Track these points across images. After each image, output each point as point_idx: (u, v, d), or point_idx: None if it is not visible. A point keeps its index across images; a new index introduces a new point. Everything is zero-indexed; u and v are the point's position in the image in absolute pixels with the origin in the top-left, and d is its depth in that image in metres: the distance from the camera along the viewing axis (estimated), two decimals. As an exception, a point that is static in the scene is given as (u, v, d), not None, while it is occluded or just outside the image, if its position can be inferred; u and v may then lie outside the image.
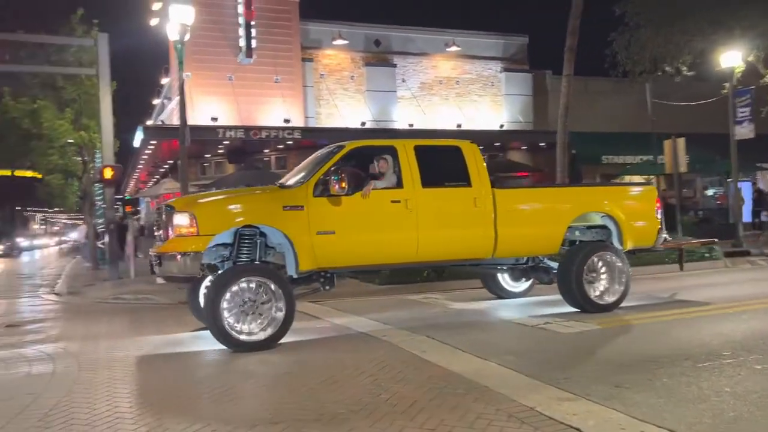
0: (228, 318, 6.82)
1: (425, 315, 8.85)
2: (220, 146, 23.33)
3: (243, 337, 6.88)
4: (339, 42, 26.08)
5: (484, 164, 8.32)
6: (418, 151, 7.99)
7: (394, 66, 27.39)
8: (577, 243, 8.89)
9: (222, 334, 6.82)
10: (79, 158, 29.10)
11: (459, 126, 26.89)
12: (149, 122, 29.39)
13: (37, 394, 5.33)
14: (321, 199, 7.34)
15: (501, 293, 10.09)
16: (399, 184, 7.76)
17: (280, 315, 6.99)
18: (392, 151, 7.94)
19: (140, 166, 29.67)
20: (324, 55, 26.41)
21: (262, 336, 6.94)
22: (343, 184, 7.22)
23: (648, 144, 20.82)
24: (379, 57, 27.26)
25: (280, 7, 24.62)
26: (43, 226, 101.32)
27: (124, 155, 29.99)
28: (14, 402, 5.10)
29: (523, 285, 10.07)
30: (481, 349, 6.36)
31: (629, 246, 8.76)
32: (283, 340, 7.18)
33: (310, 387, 5.31)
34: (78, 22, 23.66)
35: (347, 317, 8.74)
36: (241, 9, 23.33)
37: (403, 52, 27.68)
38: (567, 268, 8.36)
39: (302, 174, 7.88)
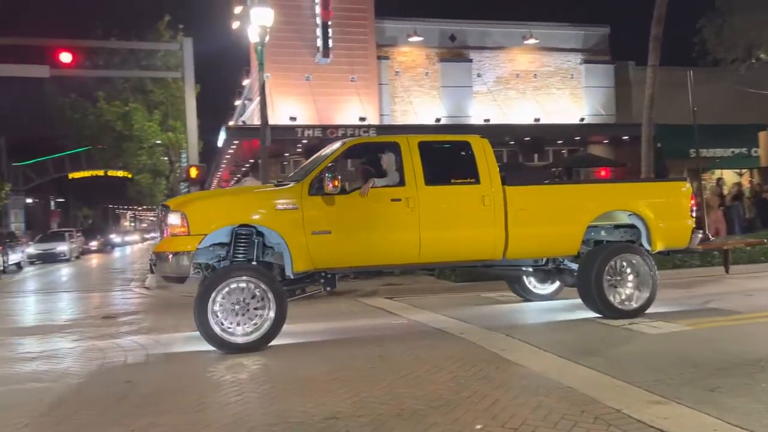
0: (216, 318, 6.77)
1: (502, 312, 8.74)
2: (299, 145, 23.85)
3: (232, 338, 6.80)
4: (414, 39, 26.06)
5: (495, 160, 7.90)
6: (423, 147, 7.68)
7: (470, 61, 27.11)
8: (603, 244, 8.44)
9: (209, 335, 6.77)
10: (166, 158, 30.55)
11: (537, 120, 26.31)
12: (231, 123, 30.43)
13: (133, 383, 5.64)
14: (316, 198, 7.15)
15: (527, 295, 9.66)
16: (401, 182, 7.46)
17: (271, 315, 6.89)
18: (395, 148, 7.65)
19: (223, 165, 30.74)
20: (399, 53, 26.46)
21: (252, 337, 6.84)
22: (336, 183, 6.97)
23: (741, 136, 19.67)
24: (454, 52, 27.05)
25: (356, 6, 24.86)
26: (133, 224, 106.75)
27: (208, 155, 31.22)
28: (113, 389, 5.42)
29: (551, 287, 9.50)
30: (563, 348, 6.21)
31: (659, 247, 8.13)
32: (361, 335, 7.27)
33: (389, 382, 5.35)
34: (165, 27, 24.83)
35: (424, 314, 8.74)
36: (318, 9, 23.73)
37: (478, 47, 27.34)
38: (586, 271, 7.87)
39: (302, 172, 7.74)
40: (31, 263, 29.24)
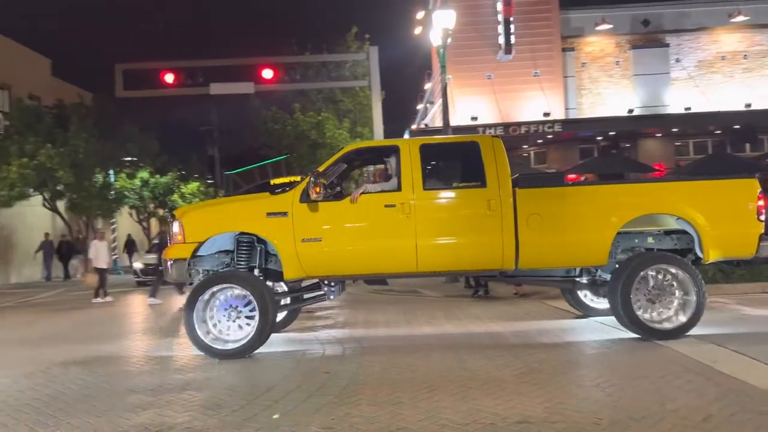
0: (204, 325, 6.89)
1: (713, 320, 7.88)
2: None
3: (218, 346, 6.89)
4: (602, 27, 24.69)
5: (507, 161, 7.17)
6: (425, 150, 7.22)
7: (666, 46, 25.03)
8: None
9: (196, 341, 6.89)
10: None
11: (748, 106, 23.51)
12: (414, 126, 31.20)
13: (332, 373, 5.98)
14: (308, 205, 6.99)
15: (582, 309, 8.70)
16: (398, 187, 7.08)
17: (256, 322, 6.85)
18: (395, 152, 7.27)
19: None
20: (586, 43, 25.24)
21: (231, 346, 6.87)
22: (318, 189, 6.76)
23: None
24: (648, 38, 25.15)
25: (539, 0, 24.18)
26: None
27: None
28: (314, 379, 5.79)
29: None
30: (790, 362, 5.45)
31: (714, 256, 7.01)
32: (550, 338, 7.00)
33: (584, 388, 5.10)
34: (353, 39, 26.16)
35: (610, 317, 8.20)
36: (500, 6, 23.46)
37: (676, 30, 25.14)
38: (613, 285, 6.97)
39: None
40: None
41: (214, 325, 6.99)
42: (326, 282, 7.50)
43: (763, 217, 7.04)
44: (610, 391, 4.98)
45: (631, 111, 23.83)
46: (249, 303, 6.92)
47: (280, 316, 8.41)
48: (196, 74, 20.31)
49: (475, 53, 23.86)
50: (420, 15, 25.92)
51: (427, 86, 31.49)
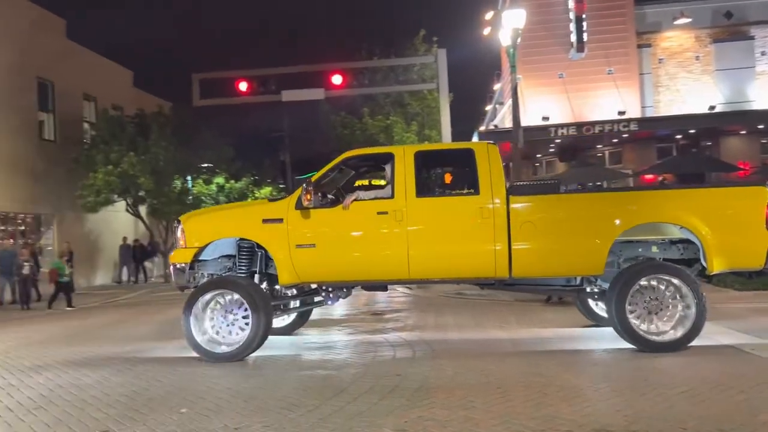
0: (201, 328, 7.10)
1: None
2: (551, 145, 23.27)
3: (213, 349, 7.05)
4: (681, 21, 23.68)
5: (502, 168, 7.07)
6: (420, 157, 7.19)
7: (751, 38, 23.74)
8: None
9: (192, 344, 7.08)
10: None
11: (842, 100, 21.99)
12: (482, 128, 30.88)
13: (403, 376, 5.99)
14: (302, 212, 7.09)
15: (593, 318, 8.33)
16: (391, 194, 7.06)
17: (246, 329, 7.00)
18: (391, 158, 7.21)
19: (475, 170, 31.28)
20: (663, 38, 24.28)
21: (225, 349, 7.06)
22: (309, 197, 6.89)
23: None
24: (731, 30, 23.93)
25: (613, -5, 23.47)
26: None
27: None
28: (386, 381, 5.82)
29: None
30: None
31: (719, 267, 6.67)
32: (620, 344, 6.77)
33: (665, 397, 4.89)
34: (420, 42, 26.16)
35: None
36: (571, 4, 22.90)
37: (761, 21, 23.81)
38: (609, 294, 6.75)
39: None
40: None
41: (212, 327, 7.23)
42: (324, 288, 7.67)
43: None
44: (695, 400, 4.77)
45: (712, 108, 22.73)
46: (242, 307, 7.09)
47: (287, 320, 8.80)
48: (268, 82, 20.86)
49: (546, 52, 23.38)
50: (489, 15, 25.67)
51: (496, 87, 31.13)
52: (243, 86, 20.73)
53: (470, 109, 37.75)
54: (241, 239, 7.43)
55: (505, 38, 15.23)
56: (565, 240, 6.88)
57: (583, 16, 22.86)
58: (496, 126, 26.17)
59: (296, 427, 4.56)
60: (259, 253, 7.42)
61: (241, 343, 7.02)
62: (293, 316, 8.81)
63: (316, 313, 12.08)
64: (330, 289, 7.78)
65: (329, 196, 7.58)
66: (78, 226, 22.88)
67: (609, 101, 22.86)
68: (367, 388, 5.58)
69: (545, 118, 22.48)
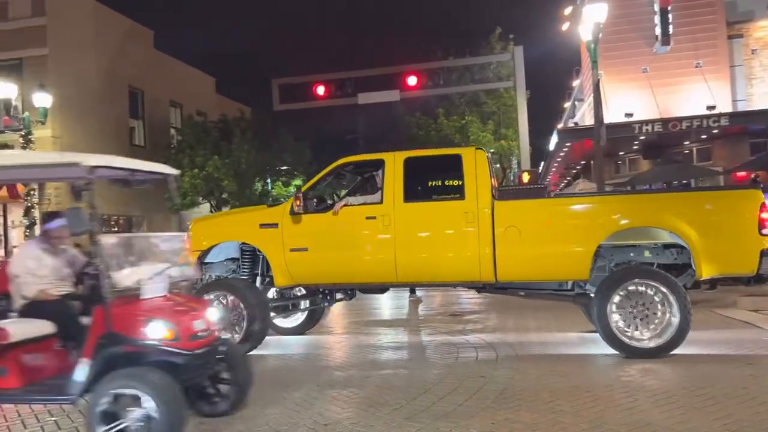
0: None
1: None
2: (635, 142, 22.47)
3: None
4: (776, 9, 22.33)
5: (488, 173, 7.11)
6: (410, 163, 7.30)
7: None
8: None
9: None
10: (498, 165, 31.76)
11: None
12: (559, 125, 30.19)
13: (487, 377, 5.96)
14: (296, 217, 7.39)
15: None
16: (381, 200, 7.25)
17: (240, 328, 7.30)
18: (381, 164, 7.38)
19: (553, 169, 30.67)
20: (756, 28, 22.99)
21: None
22: (298, 203, 7.24)
23: None
24: (834, 16, 22.37)
25: (700, -15, 22.42)
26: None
27: (535, 159, 31.50)
28: (470, 382, 5.80)
29: None
30: None
31: (709, 273, 6.50)
32: (723, 350, 6.46)
33: (769, 407, 4.65)
34: (496, 40, 25.89)
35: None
36: (656, -3, 22.05)
37: None
38: (593, 298, 6.67)
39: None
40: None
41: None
42: (320, 290, 8.05)
43: (766, 231, 6.43)
44: (803, 411, 4.50)
45: (812, 100, 21.31)
46: (237, 308, 7.41)
47: (299, 320, 9.06)
48: (344, 85, 21.25)
49: (629, 46, 22.60)
50: (567, 11, 25.09)
51: (575, 83, 30.37)
52: (320, 90, 21.22)
53: (548, 106, 37.05)
54: (244, 243, 7.86)
55: (585, 33, 14.83)
56: (548, 245, 6.85)
57: (669, 7, 21.95)
58: (576, 123, 25.56)
59: (384, 425, 4.63)
60: (261, 257, 7.77)
61: (245, 341, 7.42)
62: (303, 316, 9.15)
63: (392, 315, 12.19)
64: (326, 291, 8.20)
65: (328, 201, 7.92)
66: (166, 227, 24.03)
67: (697, 96, 21.83)
68: (451, 388, 5.59)
69: (628, 115, 21.73)
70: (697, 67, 22.03)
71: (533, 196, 7.36)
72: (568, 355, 6.97)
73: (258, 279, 7.89)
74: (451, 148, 7.74)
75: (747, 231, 6.47)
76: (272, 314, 8.43)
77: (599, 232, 6.74)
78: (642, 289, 6.55)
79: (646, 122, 20.87)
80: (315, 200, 7.76)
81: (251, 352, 7.36)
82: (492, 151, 28.89)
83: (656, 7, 22.13)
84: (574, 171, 30.74)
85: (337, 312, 12.60)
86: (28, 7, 19.78)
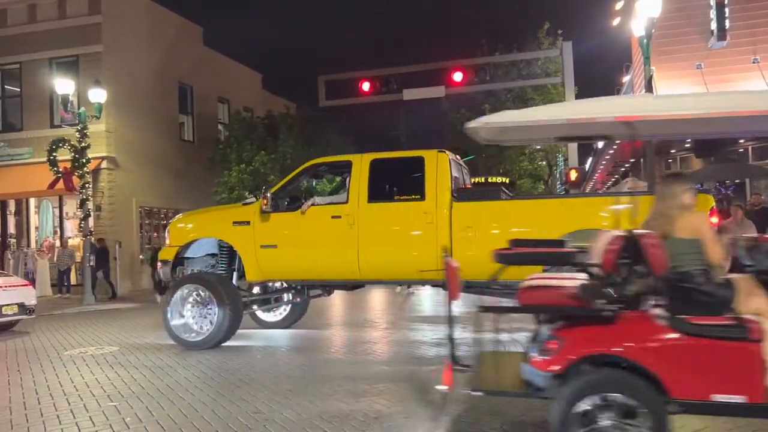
0: (177, 318, 7.86)
1: None
2: (687, 140, 21.83)
3: (186, 337, 7.84)
4: (840, 1, 21.38)
5: (449, 175, 7.28)
6: (375, 164, 7.59)
7: None
8: None
9: (170, 333, 7.92)
10: (544, 162, 31.34)
11: None
12: (609, 123, 29.52)
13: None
14: (267, 215, 7.76)
15: None
16: (346, 200, 7.57)
17: (213, 320, 7.68)
18: (349, 166, 7.69)
19: (601, 167, 30.09)
20: (818, 22, 22.02)
21: (199, 338, 7.78)
22: (265, 202, 7.65)
23: None
24: None
25: (758, -23, 21.61)
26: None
27: (581, 157, 30.94)
28: (519, 379, 5.75)
29: None
30: None
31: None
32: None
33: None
34: (544, 35, 25.52)
35: None
36: (711, -10, 21.37)
37: None
38: None
39: None
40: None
41: (192, 318, 7.90)
42: (293, 285, 8.53)
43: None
44: None
45: None
46: (210, 300, 7.76)
47: (282, 314, 9.47)
48: (390, 81, 21.26)
49: (683, 42, 21.96)
50: (619, 5, 24.55)
51: (625, 79, 29.66)
52: (366, 86, 21.27)
53: (595, 103, 36.27)
54: (221, 240, 8.21)
55: (638, 28, 14.50)
56: (501, 245, 6.64)
57: (726, 1, 21.25)
58: (624, 121, 24.93)
59: (433, 419, 4.63)
60: (237, 252, 8.09)
61: (209, 333, 7.78)
62: (287, 310, 9.55)
63: (434, 311, 12.16)
64: (297, 287, 8.62)
65: (302, 201, 8.12)
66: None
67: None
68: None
69: (680, 112, 21.09)
70: (754, 62, 21.27)
71: (489, 197, 7.41)
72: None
73: (234, 274, 8.33)
74: (415, 151, 7.84)
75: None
76: (255, 308, 9.04)
77: (550, 234, 6.74)
78: None
79: (701, 119, 20.23)
80: (287, 199, 8.10)
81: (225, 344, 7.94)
82: (538, 147, 28.56)
83: (712, 1, 21.45)
84: (623, 169, 30.06)
85: (377, 307, 12.66)
86: (84, 5, 20.39)
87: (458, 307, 10.57)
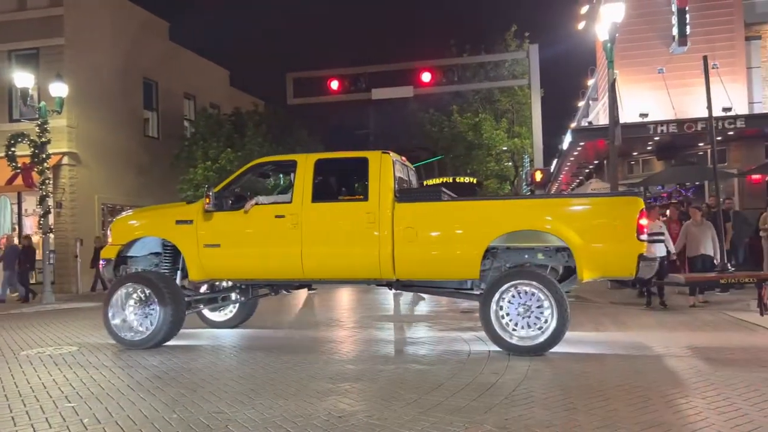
0: (116, 319, 7.80)
1: None
2: (649, 143, 22.32)
3: (127, 335, 7.78)
4: (795, 11, 22.11)
5: (392, 176, 7.37)
6: (320, 164, 7.65)
7: None
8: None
9: (110, 331, 7.86)
10: (510, 163, 31.71)
11: None
12: (573, 124, 30.04)
13: (500, 374, 5.97)
14: (210, 214, 7.70)
15: None
16: (290, 199, 7.58)
17: (154, 319, 7.64)
18: (294, 166, 7.68)
19: (566, 168, 30.52)
20: (774, 29, 22.74)
21: (137, 336, 7.74)
22: (207, 200, 7.57)
23: None
24: None
25: (718, -15, 22.20)
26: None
27: (547, 158, 31.39)
28: (482, 378, 5.82)
29: None
30: None
31: (589, 276, 6.79)
32: (738, 355, 6.42)
33: (785, 410, 4.62)
34: (512, 37, 25.82)
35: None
36: (673, -4, 21.87)
37: None
38: (480, 299, 7.04)
39: None
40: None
41: (135, 316, 7.83)
42: (238, 285, 8.51)
43: (644, 237, 6.77)
44: (818, 415, 4.48)
45: (830, 103, 21.09)
46: (151, 299, 7.70)
47: (229, 314, 9.43)
48: (359, 80, 21.26)
49: (645, 46, 22.43)
50: (584, 9, 24.97)
51: (590, 82, 30.19)
52: (334, 85, 21.24)
53: (562, 105, 36.88)
54: (164, 239, 8.12)
55: (602, 32, 14.77)
56: (442, 245, 7.20)
57: (687, 8, 21.78)
58: (590, 123, 25.43)
59: (398, 418, 4.65)
60: (182, 251, 8.02)
61: (150, 332, 7.71)
62: (234, 309, 9.46)
63: (406, 311, 12.20)
64: (242, 286, 8.58)
65: (247, 200, 8.07)
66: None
67: (713, 97, 21.64)
68: (463, 384, 5.61)
69: (643, 115, 21.58)
70: (713, 68, 21.81)
71: (429, 198, 7.57)
72: (580, 354, 6.97)
73: (179, 273, 8.23)
74: (359, 152, 7.89)
75: (626, 236, 6.72)
76: (201, 307, 8.90)
77: (487, 234, 7.04)
78: (526, 289, 6.84)
79: (661, 123, 20.70)
80: (232, 199, 7.98)
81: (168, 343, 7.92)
82: (505, 148, 28.89)
83: (674, 7, 21.97)
84: (587, 170, 30.55)
85: (346, 306, 12.66)
86: (45, -4, 19.89)
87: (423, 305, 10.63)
